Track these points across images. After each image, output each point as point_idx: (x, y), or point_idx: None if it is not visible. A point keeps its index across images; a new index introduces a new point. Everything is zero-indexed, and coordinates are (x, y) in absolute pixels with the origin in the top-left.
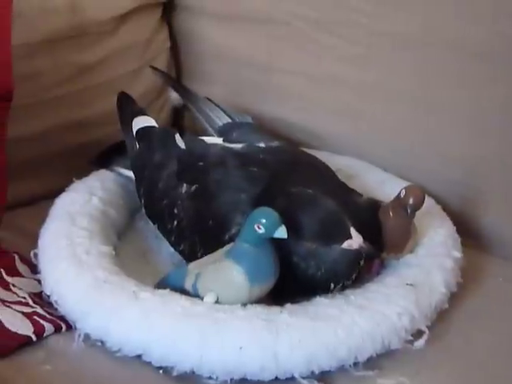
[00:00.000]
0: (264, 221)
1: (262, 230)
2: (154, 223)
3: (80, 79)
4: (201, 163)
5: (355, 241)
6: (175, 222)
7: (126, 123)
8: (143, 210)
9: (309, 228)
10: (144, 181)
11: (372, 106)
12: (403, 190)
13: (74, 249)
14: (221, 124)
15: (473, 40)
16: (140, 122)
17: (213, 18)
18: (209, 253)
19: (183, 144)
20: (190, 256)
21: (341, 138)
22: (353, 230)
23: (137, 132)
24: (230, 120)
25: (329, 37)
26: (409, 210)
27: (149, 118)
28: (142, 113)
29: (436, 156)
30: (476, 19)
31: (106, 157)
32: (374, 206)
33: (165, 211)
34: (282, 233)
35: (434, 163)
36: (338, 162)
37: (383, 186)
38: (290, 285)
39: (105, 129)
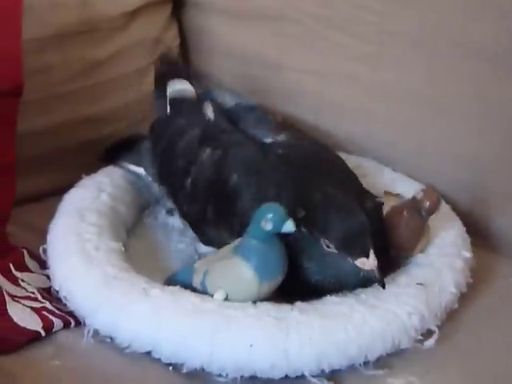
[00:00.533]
0: (271, 216)
1: (269, 227)
2: (161, 183)
3: (90, 75)
4: (225, 136)
5: (369, 262)
6: (189, 180)
7: (160, 84)
8: (154, 171)
9: (334, 231)
10: (162, 142)
11: (381, 104)
12: (420, 193)
13: (83, 245)
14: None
15: (482, 39)
16: (176, 85)
17: (223, 15)
18: (219, 219)
19: (213, 115)
20: (195, 219)
21: (350, 137)
22: (371, 252)
23: (170, 98)
24: (233, 100)
25: (339, 35)
26: (423, 213)
27: (185, 81)
28: (180, 75)
29: (445, 156)
30: (485, 18)
31: (113, 152)
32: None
33: (180, 170)
34: (289, 227)
35: (443, 163)
36: (347, 161)
37: (393, 185)
38: (293, 285)
39: (114, 125)
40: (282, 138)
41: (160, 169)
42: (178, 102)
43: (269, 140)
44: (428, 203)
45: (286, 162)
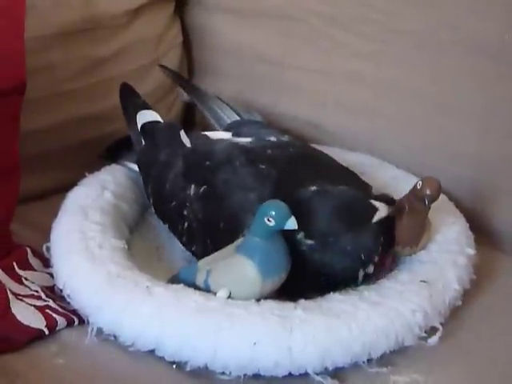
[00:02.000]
0: (274, 213)
1: (272, 223)
2: (164, 223)
3: (93, 73)
4: (207, 162)
5: (382, 210)
6: (185, 224)
7: (130, 117)
8: (153, 210)
9: (335, 222)
10: (151, 180)
11: (385, 102)
12: (419, 182)
13: (86, 243)
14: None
15: (487, 38)
16: (145, 116)
17: (226, 13)
18: None
19: (188, 142)
20: (202, 257)
21: (354, 135)
22: (375, 202)
23: (142, 127)
24: (238, 118)
25: (343, 33)
26: (426, 201)
27: (153, 112)
28: (147, 107)
29: (448, 153)
30: (490, 16)
31: (115, 151)
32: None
33: (174, 213)
34: (291, 224)
35: (446, 160)
36: (350, 159)
37: (396, 182)
38: (297, 281)
39: (117, 123)
40: (285, 138)
41: (156, 209)
42: (151, 134)
43: (273, 139)
44: (428, 190)
45: (276, 165)
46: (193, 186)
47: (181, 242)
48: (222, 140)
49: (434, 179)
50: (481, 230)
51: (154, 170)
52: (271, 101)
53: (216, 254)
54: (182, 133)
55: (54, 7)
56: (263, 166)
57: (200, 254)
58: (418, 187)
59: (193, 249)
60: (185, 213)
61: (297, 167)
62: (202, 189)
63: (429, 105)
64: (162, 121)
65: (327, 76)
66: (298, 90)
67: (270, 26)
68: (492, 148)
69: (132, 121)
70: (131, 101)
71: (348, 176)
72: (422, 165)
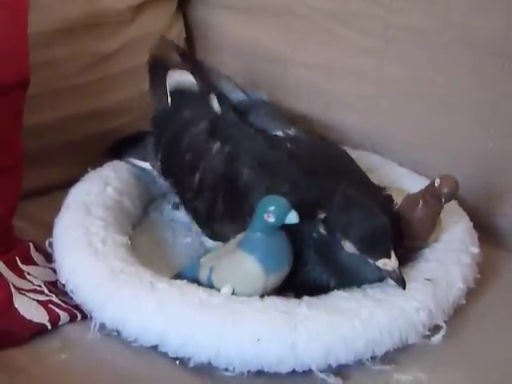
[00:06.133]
0: (273, 208)
1: (272, 219)
2: (167, 178)
3: (96, 69)
4: (235, 130)
5: (391, 263)
6: (197, 177)
7: (159, 72)
8: (159, 165)
9: (356, 231)
10: (166, 135)
11: (388, 100)
12: (438, 179)
13: (89, 238)
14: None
15: (490, 35)
16: (176, 76)
17: (228, 10)
18: (228, 215)
19: (219, 108)
20: (203, 215)
21: (357, 132)
22: (393, 253)
23: (171, 89)
24: (243, 96)
25: (346, 30)
26: (443, 199)
27: (186, 72)
28: (179, 66)
29: (451, 151)
30: (493, 13)
31: (118, 148)
32: (391, 200)
33: (187, 165)
34: (292, 218)
35: (449, 159)
36: (353, 156)
37: (400, 180)
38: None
39: (120, 119)
40: (292, 131)
41: (165, 163)
42: (180, 93)
43: (279, 133)
44: (447, 188)
45: (297, 158)
46: (217, 145)
47: (183, 200)
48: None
49: (453, 177)
50: (484, 228)
51: (174, 126)
52: (273, 97)
53: (218, 250)
54: (214, 98)
55: (58, 3)
56: (285, 156)
57: (203, 211)
58: (436, 185)
59: (195, 205)
60: (201, 165)
61: (318, 163)
62: (227, 149)
63: (432, 102)
64: (194, 81)
65: (330, 72)
66: (301, 86)
67: (273, 22)
68: (496, 146)
69: (159, 79)
70: (163, 59)
71: (362, 177)
72: (425, 162)
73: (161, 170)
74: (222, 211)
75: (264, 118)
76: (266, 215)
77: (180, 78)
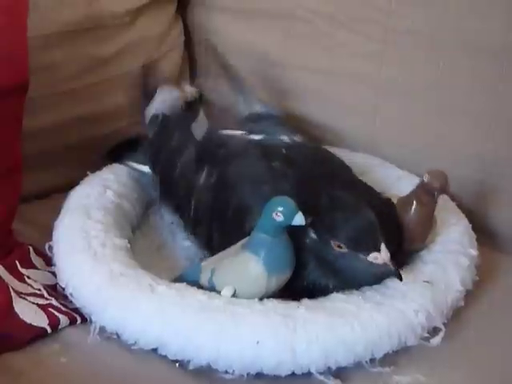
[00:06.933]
0: (282, 208)
1: (280, 218)
2: (166, 204)
3: (95, 72)
4: (222, 150)
5: (382, 256)
6: (192, 210)
7: (147, 97)
8: (159, 196)
9: (342, 230)
10: (159, 166)
11: (387, 102)
12: (426, 175)
13: (89, 241)
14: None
15: (489, 38)
16: (162, 96)
17: (227, 13)
18: (226, 243)
19: (201, 133)
20: (206, 244)
21: (355, 134)
22: (383, 246)
23: (155, 116)
24: (260, 107)
25: (345, 33)
26: (436, 194)
27: (174, 91)
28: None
29: (450, 153)
30: (493, 15)
31: (117, 152)
32: (392, 204)
33: (182, 194)
34: (299, 220)
35: (447, 160)
36: (352, 159)
37: (399, 182)
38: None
39: (119, 122)
40: (297, 137)
41: (162, 191)
42: (166, 118)
43: (285, 138)
44: (437, 182)
45: (291, 165)
46: (204, 173)
47: (184, 224)
48: (234, 135)
49: (440, 171)
50: (483, 230)
51: (165, 154)
52: (273, 100)
53: (221, 253)
54: (194, 125)
55: (57, 6)
56: (277, 163)
57: (204, 242)
58: (426, 180)
59: (196, 234)
60: (192, 199)
61: (313, 169)
62: (214, 177)
63: (431, 105)
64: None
65: (329, 76)
66: (300, 89)
67: (272, 25)
68: (494, 148)
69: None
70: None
71: (359, 184)
72: (424, 165)
73: (160, 197)
74: (217, 240)
75: (273, 125)
76: (274, 214)
77: (166, 100)
